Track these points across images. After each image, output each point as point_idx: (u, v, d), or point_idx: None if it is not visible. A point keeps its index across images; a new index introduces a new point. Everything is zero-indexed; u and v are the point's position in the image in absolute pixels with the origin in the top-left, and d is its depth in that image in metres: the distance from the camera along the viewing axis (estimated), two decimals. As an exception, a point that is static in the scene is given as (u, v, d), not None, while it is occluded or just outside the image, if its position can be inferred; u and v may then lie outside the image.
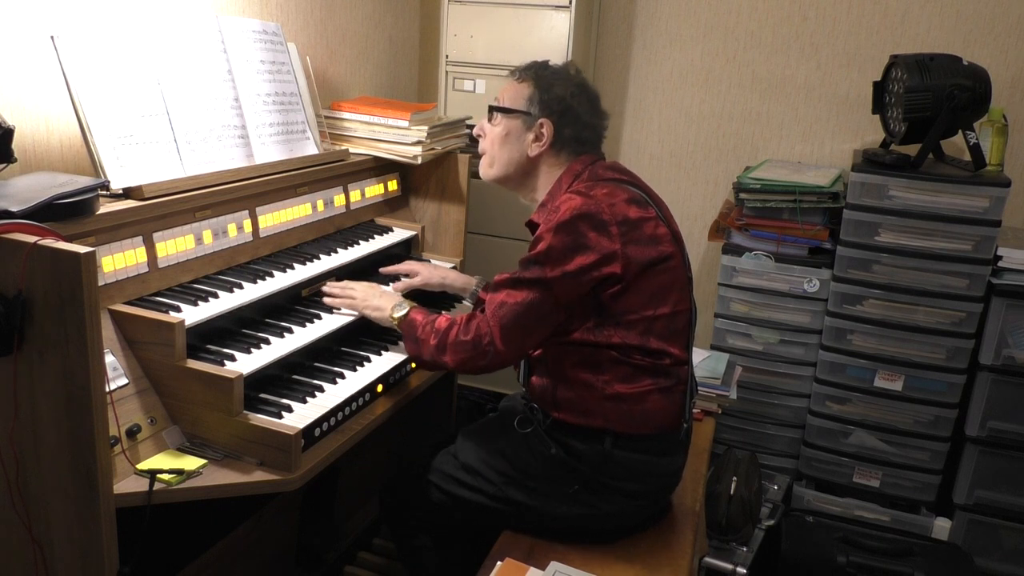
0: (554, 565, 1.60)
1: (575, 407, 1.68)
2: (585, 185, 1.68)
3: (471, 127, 2.14)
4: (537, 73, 1.79)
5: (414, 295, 2.05)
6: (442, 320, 1.71)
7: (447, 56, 2.89)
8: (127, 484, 1.37)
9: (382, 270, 2.12)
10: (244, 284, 1.74)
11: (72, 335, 1.24)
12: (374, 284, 1.95)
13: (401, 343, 1.91)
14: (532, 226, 1.78)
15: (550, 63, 1.83)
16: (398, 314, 1.80)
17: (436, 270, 2.12)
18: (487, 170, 1.86)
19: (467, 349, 1.64)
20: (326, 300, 1.89)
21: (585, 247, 1.59)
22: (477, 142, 1.90)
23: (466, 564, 1.86)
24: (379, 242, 2.20)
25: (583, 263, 1.59)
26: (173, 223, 1.67)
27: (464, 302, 2.18)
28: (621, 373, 1.65)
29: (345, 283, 1.92)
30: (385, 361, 1.84)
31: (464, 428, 1.89)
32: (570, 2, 2.72)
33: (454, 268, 2.35)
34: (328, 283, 1.93)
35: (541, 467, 1.72)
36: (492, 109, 1.84)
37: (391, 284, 2.05)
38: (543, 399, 1.74)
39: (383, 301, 1.85)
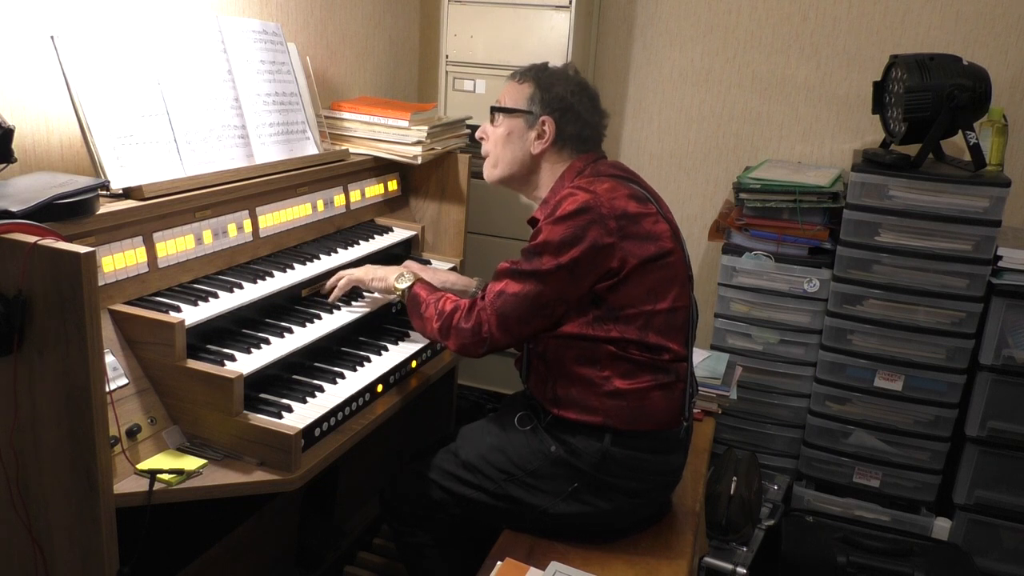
0: (554, 565, 1.60)
1: (575, 404, 1.69)
2: (587, 181, 1.70)
3: (471, 127, 2.14)
4: (537, 74, 1.82)
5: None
6: (447, 302, 1.74)
7: (447, 56, 2.89)
8: (127, 484, 1.37)
9: None
10: (244, 284, 1.74)
11: (72, 335, 1.24)
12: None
13: (401, 343, 1.93)
14: (534, 223, 1.79)
15: (549, 65, 1.84)
16: (402, 285, 1.85)
17: (436, 274, 2.12)
18: (491, 171, 1.87)
19: (467, 336, 1.68)
20: (330, 294, 1.91)
21: (581, 240, 1.60)
22: (477, 142, 1.91)
23: (466, 563, 1.86)
24: (379, 242, 2.20)
25: (577, 256, 1.60)
26: (173, 223, 1.68)
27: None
28: (621, 369, 1.66)
29: (339, 273, 1.93)
30: (385, 361, 1.84)
31: (465, 426, 1.90)
32: (570, 2, 2.72)
33: (454, 269, 2.35)
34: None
35: (541, 465, 1.72)
36: (494, 110, 1.85)
37: None
38: (543, 396, 1.74)
39: (385, 272, 1.90)
